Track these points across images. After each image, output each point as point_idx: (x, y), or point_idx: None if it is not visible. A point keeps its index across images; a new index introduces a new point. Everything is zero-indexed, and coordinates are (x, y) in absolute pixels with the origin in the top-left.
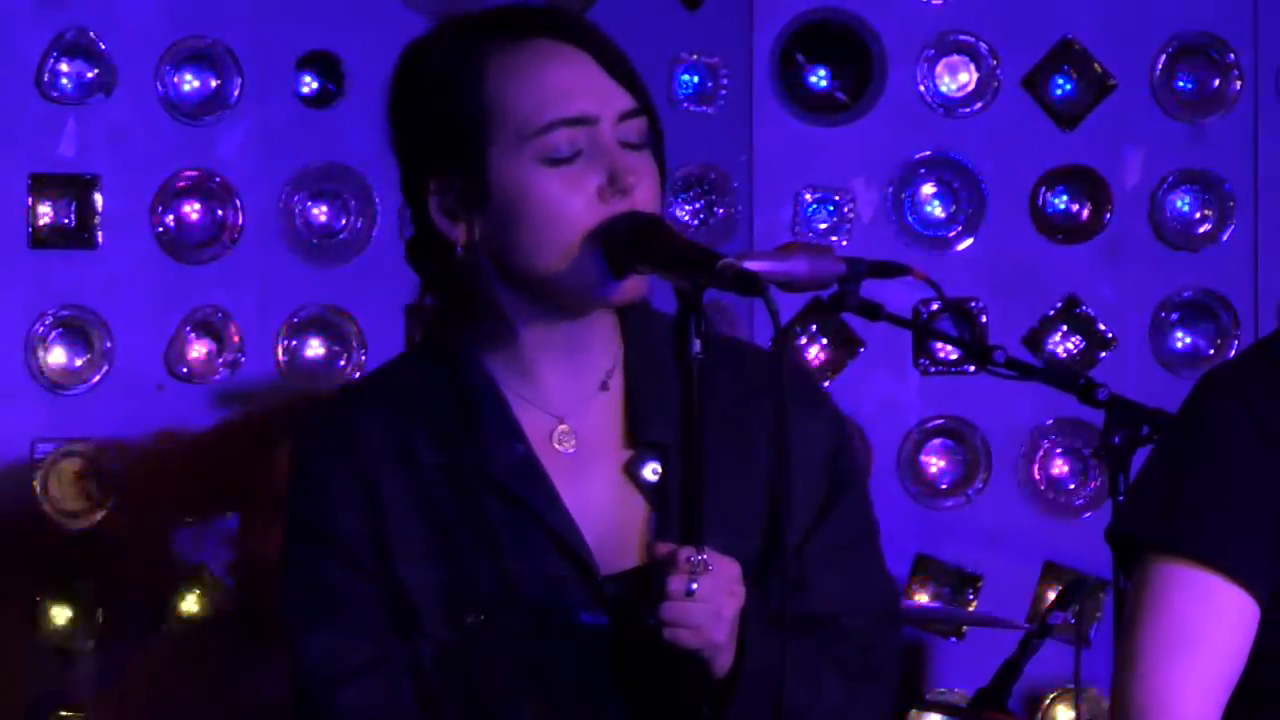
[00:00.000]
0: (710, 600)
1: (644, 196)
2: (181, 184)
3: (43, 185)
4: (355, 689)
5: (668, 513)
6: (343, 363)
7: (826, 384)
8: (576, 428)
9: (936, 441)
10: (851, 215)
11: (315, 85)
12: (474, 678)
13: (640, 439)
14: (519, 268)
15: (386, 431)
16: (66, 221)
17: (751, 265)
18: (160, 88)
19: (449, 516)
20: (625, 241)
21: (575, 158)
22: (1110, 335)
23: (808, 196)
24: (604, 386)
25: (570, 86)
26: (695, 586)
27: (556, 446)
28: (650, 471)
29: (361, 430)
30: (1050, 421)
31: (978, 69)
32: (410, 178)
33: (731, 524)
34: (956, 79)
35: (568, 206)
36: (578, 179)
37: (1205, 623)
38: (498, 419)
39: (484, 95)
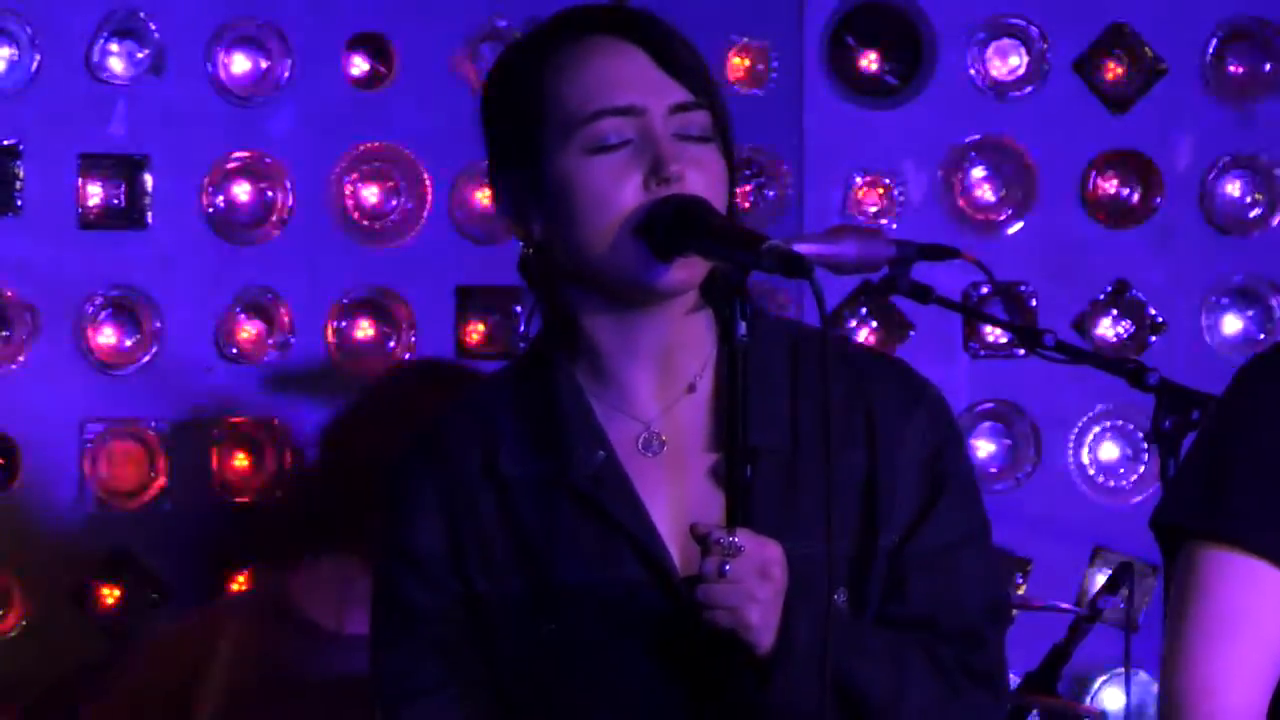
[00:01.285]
0: (742, 581)
1: (695, 186)
2: (231, 165)
3: (93, 165)
4: (424, 706)
5: (755, 515)
6: (393, 344)
7: None
8: (665, 432)
9: (986, 425)
10: (901, 198)
11: (365, 66)
12: (550, 687)
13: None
14: (573, 260)
15: (475, 447)
16: (116, 202)
17: (801, 248)
18: (210, 68)
19: (530, 528)
20: (668, 224)
21: (622, 146)
22: (1160, 319)
23: (858, 179)
24: (690, 389)
25: (618, 78)
26: (728, 568)
27: (644, 451)
28: None
29: (450, 447)
30: (1100, 406)
31: (1028, 52)
32: (490, 182)
33: (819, 524)
34: (1007, 62)
35: (612, 193)
36: (624, 167)
37: (1250, 608)
38: (579, 426)
39: (540, 92)
